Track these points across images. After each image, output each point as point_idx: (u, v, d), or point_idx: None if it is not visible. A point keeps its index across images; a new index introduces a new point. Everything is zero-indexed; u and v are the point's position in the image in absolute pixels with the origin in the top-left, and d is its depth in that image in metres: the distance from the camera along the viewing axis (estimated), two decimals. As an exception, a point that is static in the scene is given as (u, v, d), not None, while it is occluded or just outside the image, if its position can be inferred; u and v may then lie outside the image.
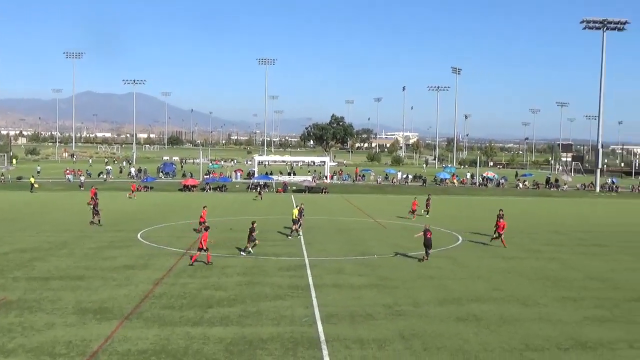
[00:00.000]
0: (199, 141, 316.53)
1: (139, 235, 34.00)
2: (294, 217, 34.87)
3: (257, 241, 28.39)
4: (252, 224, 28.30)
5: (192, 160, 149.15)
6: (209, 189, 71.83)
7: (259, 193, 63.96)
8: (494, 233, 32.94)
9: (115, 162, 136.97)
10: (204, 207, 35.33)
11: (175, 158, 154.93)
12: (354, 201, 60.33)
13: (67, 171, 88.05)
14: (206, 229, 27.33)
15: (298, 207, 36.50)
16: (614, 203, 68.22)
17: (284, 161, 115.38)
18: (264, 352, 14.91)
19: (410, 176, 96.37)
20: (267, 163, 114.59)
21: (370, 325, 17.38)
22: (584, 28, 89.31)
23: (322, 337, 16.11)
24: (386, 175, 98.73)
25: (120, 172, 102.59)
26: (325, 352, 14.99)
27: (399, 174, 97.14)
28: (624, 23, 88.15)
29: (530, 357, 15.06)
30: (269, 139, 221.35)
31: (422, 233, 27.38)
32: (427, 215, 45.63)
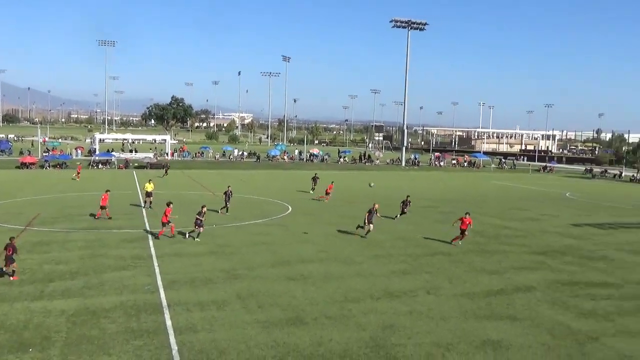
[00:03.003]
0: (37, 119, 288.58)
1: (-28, 214, 30.40)
2: (147, 191, 33.82)
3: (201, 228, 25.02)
4: (202, 208, 25.59)
5: (21, 139, 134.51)
6: (48, 166, 66.09)
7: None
8: (461, 234, 25.42)
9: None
10: (106, 191, 30.97)
11: (11, 135, 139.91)
12: (194, 176, 59.04)
13: None
14: (168, 204, 25.60)
15: (226, 189, 33.56)
16: (416, 175, 73.80)
17: (125, 139, 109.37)
18: (107, 320, 14.18)
19: (245, 153, 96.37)
20: (109, 140, 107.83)
21: (209, 288, 17.23)
22: (393, 26, 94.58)
23: (164, 303, 15.68)
24: (224, 152, 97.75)
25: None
26: (167, 316, 14.62)
27: (236, 151, 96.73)
28: (425, 24, 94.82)
29: (349, 307, 15.91)
30: (110, 117, 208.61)
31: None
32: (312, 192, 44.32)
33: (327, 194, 40.39)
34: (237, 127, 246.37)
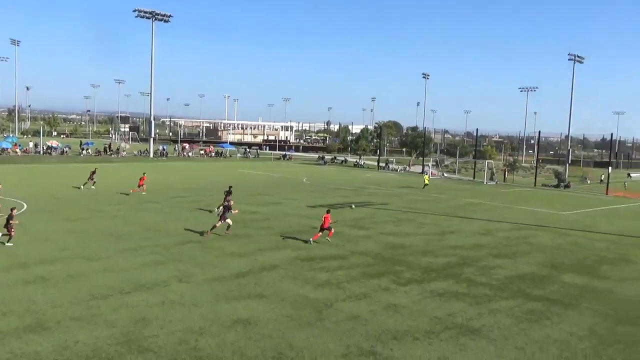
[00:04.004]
0: None
1: None
2: None
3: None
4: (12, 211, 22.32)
5: None
6: None
7: None
8: (320, 231, 24.12)
9: None
10: None
11: None
12: None
13: None
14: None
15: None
16: (165, 166, 72.09)
17: None
18: None
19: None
20: None
21: None
22: (137, 16, 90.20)
23: None
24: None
25: None
26: None
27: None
28: (169, 16, 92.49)
29: (97, 305, 14.84)
30: None
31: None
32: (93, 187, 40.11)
33: (139, 186, 38.36)
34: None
